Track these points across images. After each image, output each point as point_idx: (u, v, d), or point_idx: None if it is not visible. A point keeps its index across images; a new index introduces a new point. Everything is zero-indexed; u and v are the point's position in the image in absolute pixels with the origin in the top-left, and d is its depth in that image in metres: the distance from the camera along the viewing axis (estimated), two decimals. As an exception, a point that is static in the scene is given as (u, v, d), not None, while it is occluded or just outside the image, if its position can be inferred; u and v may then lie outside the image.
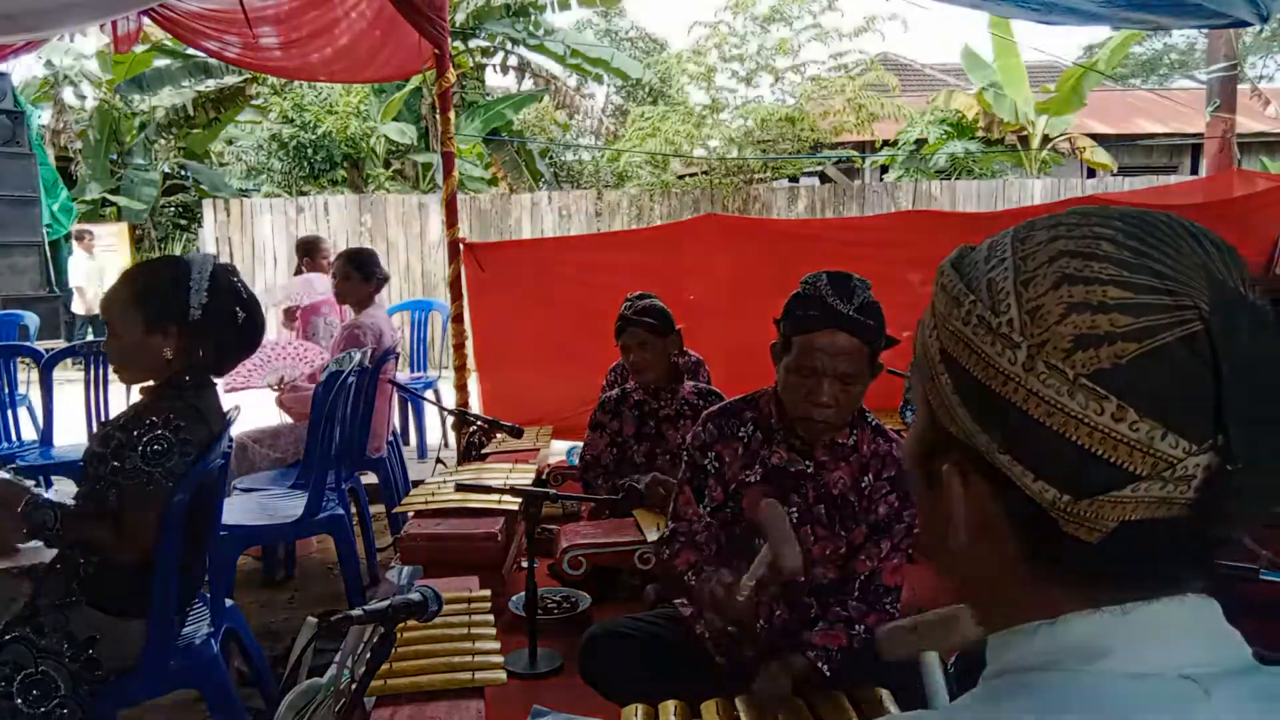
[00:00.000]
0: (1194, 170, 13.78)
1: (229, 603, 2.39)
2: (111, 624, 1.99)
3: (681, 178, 13.56)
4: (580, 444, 4.15)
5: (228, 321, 2.11)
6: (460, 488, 2.79)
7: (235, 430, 2.27)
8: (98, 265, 10.37)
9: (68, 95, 12.30)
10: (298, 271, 5.32)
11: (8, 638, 1.88)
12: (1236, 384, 0.49)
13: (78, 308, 10.48)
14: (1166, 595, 0.53)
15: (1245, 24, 4.27)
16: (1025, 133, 12.56)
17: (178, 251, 14.17)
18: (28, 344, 5.63)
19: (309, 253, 5.18)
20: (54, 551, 2.13)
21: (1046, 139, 12.59)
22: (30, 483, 2.06)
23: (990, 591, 0.60)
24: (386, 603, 1.39)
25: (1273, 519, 0.53)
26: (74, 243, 10.58)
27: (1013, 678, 0.55)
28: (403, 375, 5.64)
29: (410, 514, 3.14)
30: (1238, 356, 0.49)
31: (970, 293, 0.56)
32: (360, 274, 4.09)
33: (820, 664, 1.78)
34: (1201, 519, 0.51)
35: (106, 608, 1.99)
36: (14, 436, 4.48)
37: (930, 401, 0.59)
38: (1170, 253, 0.52)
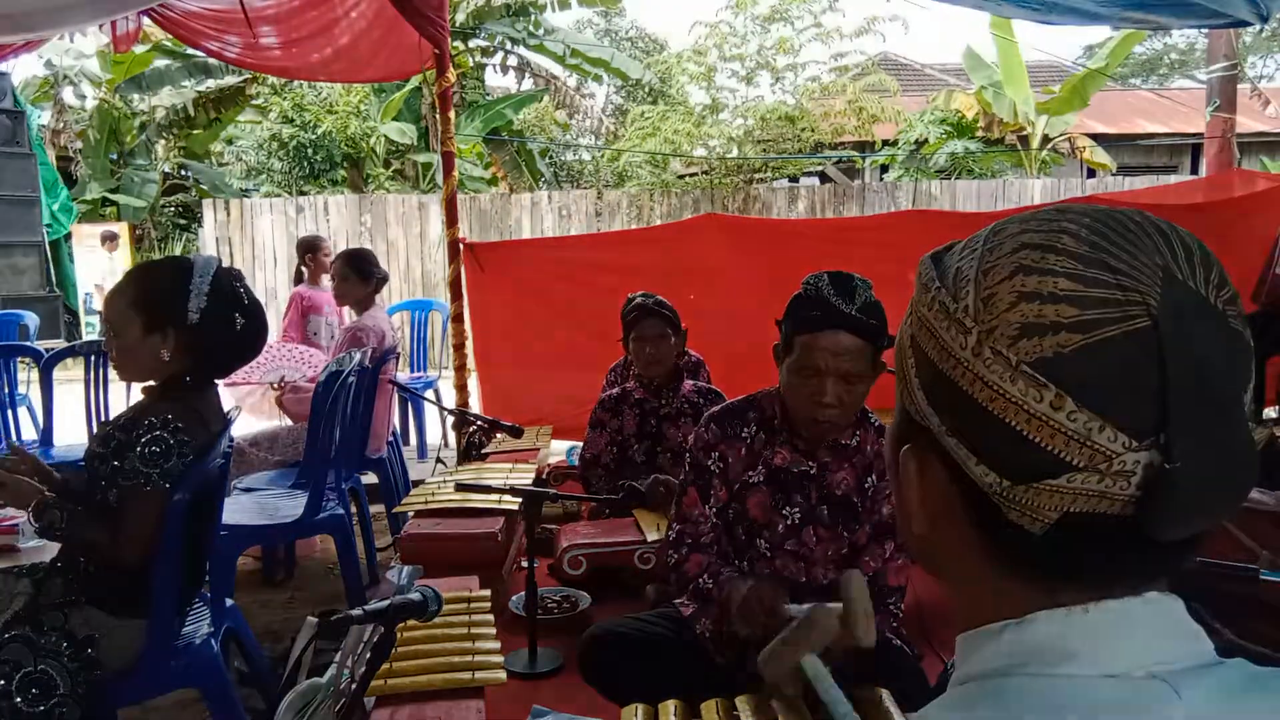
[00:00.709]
0: (1194, 170, 13.78)
1: (229, 603, 2.39)
2: (111, 623, 1.99)
3: (681, 177, 13.57)
4: (580, 444, 4.15)
5: (226, 327, 2.10)
6: (460, 488, 2.79)
7: (234, 433, 2.27)
8: (116, 266, 10.49)
9: (68, 95, 12.27)
10: (298, 272, 5.32)
11: (7, 636, 1.88)
12: (1180, 383, 0.49)
13: (96, 305, 10.61)
14: (1128, 594, 0.53)
15: (1245, 24, 4.27)
16: (1025, 133, 12.56)
17: (178, 251, 14.16)
18: (28, 344, 5.63)
19: (310, 251, 5.18)
20: (54, 551, 2.13)
21: (1046, 139, 12.60)
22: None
23: (960, 584, 0.60)
24: (386, 603, 1.39)
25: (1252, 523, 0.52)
26: (103, 243, 10.73)
27: (979, 684, 0.55)
28: (403, 375, 5.64)
29: (410, 514, 3.13)
30: (1184, 356, 0.49)
31: (938, 280, 0.57)
32: (358, 275, 4.10)
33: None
34: (1145, 518, 0.50)
35: (107, 607, 2.00)
36: (14, 436, 4.48)
37: (899, 387, 0.61)
38: (1129, 249, 0.52)
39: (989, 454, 0.53)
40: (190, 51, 10.59)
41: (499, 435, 3.85)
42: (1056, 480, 0.51)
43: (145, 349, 2.05)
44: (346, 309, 4.40)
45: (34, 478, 2.02)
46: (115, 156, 12.82)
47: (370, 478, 4.15)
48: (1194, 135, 12.21)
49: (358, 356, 3.44)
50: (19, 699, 1.81)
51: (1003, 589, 0.56)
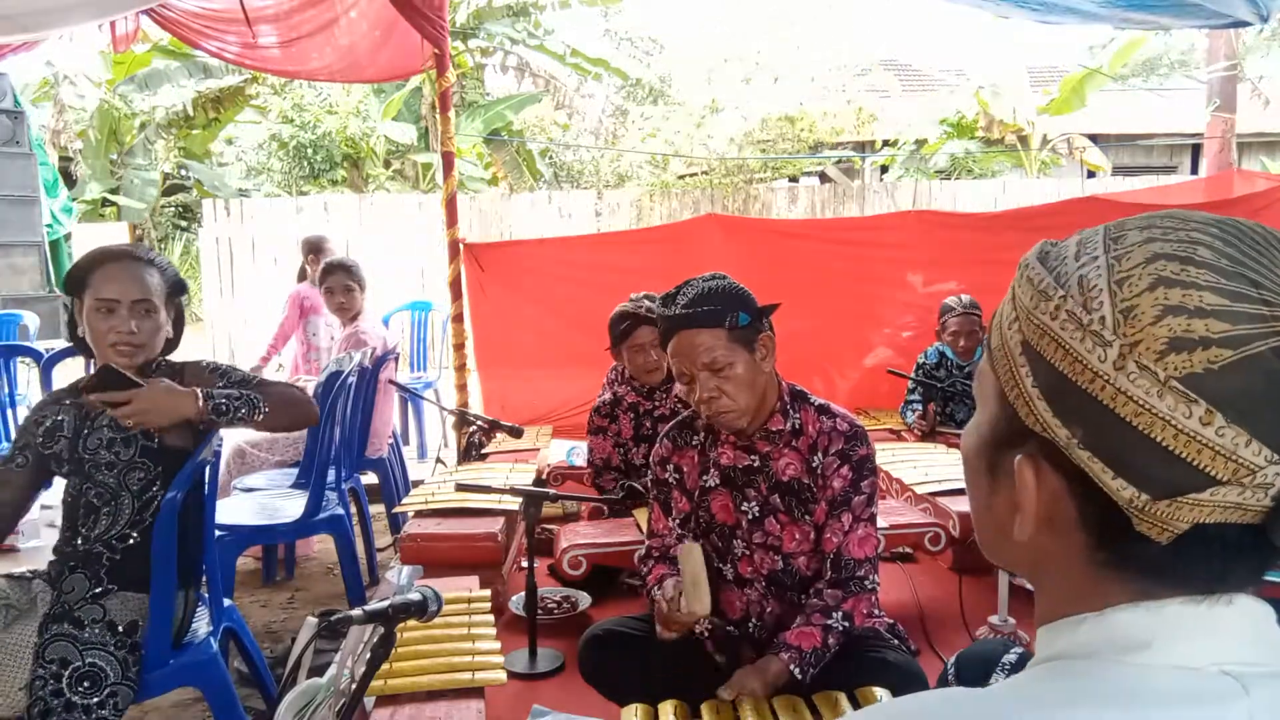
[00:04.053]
0: (1194, 170, 13.79)
1: (229, 603, 2.39)
2: (148, 603, 2.03)
3: (681, 178, 13.58)
4: (580, 444, 4.15)
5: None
6: (460, 488, 2.80)
7: (235, 435, 2.27)
8: None
9: (68, 95, 12.27)
10: (301, 271, 5.32)
11: (49, 636, 1.89)
12: None
13: None
14: (1215, 595, 0.54)
15: (1245, 24, 4.27)
16: (1025, 133, 12.56)
17: (178, 252, 14.16)
18: (28, 344, 5.63)
19: (315, 251, 5.18)
20: (50, 551, 2.14)
21: (1046, 139, 12.60)
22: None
23: (1047, 582, 0.61)
24: (386, 603, 1.39)
25: None
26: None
27: (1055, 665, 0.57)
28: (403, 375, 5.64)
29: (410, 514, 3.14)
30: None
31: (1059, 288, 0.56)
32: (359, 285, 4.14)
33: (793, 667, 1.76)
34: (1271, 527, 0.51)
35: (141, 587, 2.02)
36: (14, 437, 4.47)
37: (1005, 393, 0.59)
38: (1265, 263, 0.52)
39: (1129, 469, 0.53)
40: (190, 51, 10.58)
41: (499, 435, 3.85)
42: (1200, 495, 0.51)
43: (163, 327, 2.13)
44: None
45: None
46: (115, 157, 12.82)
47: (370, 478, 4.15)
48: (1194, 135, 12.20)
49: (357, 357, 3.45)
50: (72, 695, 1.83)
51: (1094, 590, 0.57)
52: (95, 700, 1.85)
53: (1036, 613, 0.62)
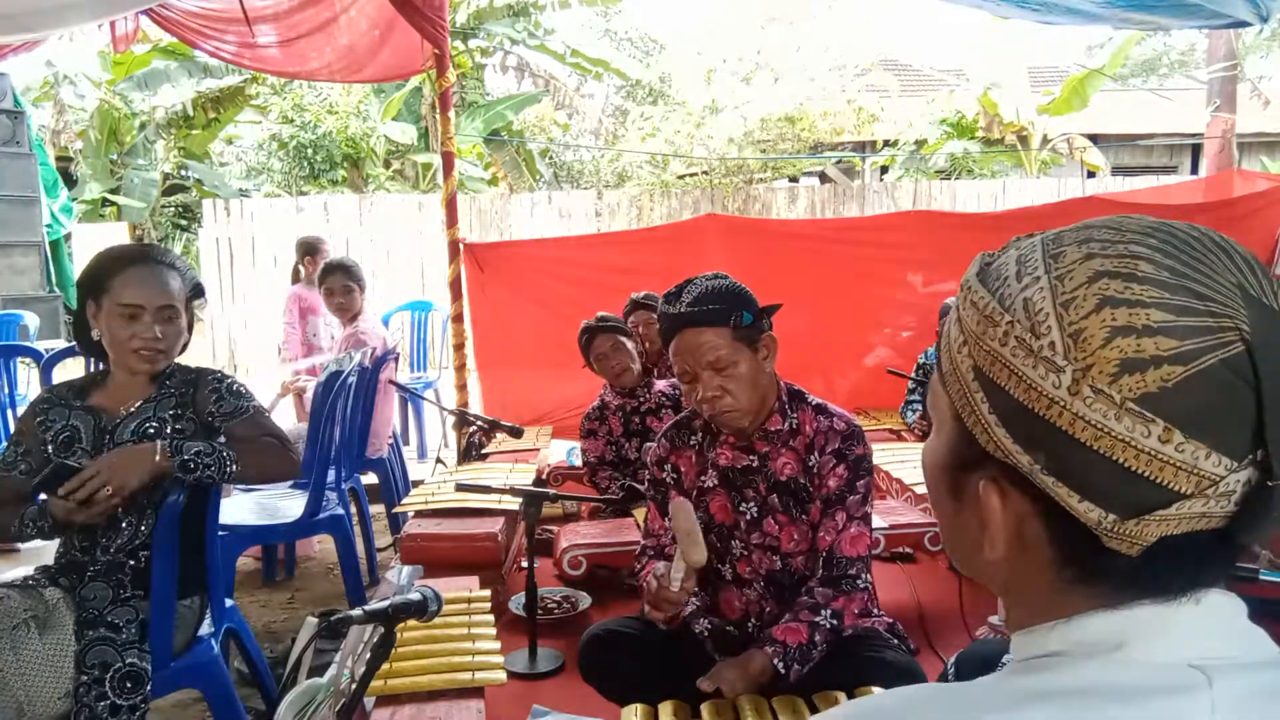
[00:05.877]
0: (1194, 170, 13.79)
1: (229, 603, 2.39)
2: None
3: (681, 178, 13.58)
4: (579, 444, 4.16)
5: None
6: (460, 488, 2.80)
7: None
8: None
9: (68, 95, 12.27)
10: (295, 271, 5.32)
11: (87, 641, 1.89)
12: (1273, 401, 0.50)
13: None
14: (1180, 597, 0.54)
15: (1245, 24, 4.27)
16: (1025, 133, 12.57)
17: (178, 252, 14.14)
18: (28, 344, 5.63)
19: (310, 253, 5.18)
20: (49, 549, 2.14)
21: (1046, 139, 12.61)
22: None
23: (1018, 594, 0.61)
24: (386, 603, 1.39)
25: None
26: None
27: (1026, 663, 0.57)
28: (403, 375, 5.65)
29: (410, 514, 3.14)
30: (1274, 374, 0.50)
31: (1005, 312, 0.55)
32: (359, 285, 4.14)
33: (776, 661, 1.75)
34: (1237, 530, 0.52)
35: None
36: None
37: (962, 417, 0.59)
38: (1206, 271, 0.52)
39: (1095, 491, 0.53)
40: (190, 51, 10.59)
41: (499, 435, 3.86)
42: (1167, 510, 0.51)
43: (184, 332, 2.12)
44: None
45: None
46: (115, 157, 12.82)
47: (370, 478, 4.15)
48: (1194, 135, 12.20)
49: (358, 357, 3.45)
50: (116, 697, 1.84)
51: (1065, 601, 0.57)
52: (140, 699, 1.87)
53: (1009, 622, 0.62)
